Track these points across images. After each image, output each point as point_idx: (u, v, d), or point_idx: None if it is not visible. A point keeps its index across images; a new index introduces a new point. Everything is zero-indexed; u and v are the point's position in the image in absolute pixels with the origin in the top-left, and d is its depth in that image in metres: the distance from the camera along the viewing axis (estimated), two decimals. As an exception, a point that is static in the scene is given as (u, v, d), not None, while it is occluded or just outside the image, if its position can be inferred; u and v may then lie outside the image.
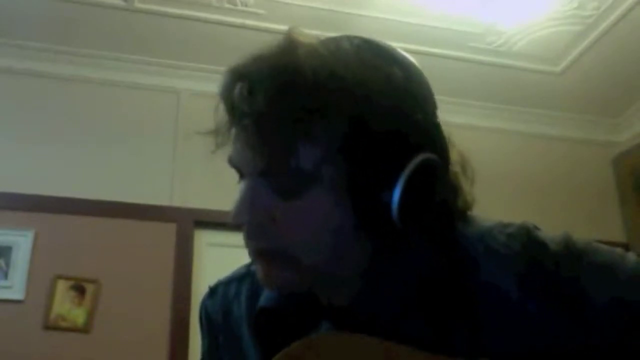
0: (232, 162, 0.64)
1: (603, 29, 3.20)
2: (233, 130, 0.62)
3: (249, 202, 0.61)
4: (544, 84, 3.64)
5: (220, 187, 3.17)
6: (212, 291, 0.80)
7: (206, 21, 3.12)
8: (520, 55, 3.42)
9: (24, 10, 3.01)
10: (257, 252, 0.64)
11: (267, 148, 0.59)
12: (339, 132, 0.59)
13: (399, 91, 0.61)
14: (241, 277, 0.78)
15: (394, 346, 0.62)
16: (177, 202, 3.20)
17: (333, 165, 0.60)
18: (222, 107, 0.62)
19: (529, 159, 3.82)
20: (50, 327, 2.82)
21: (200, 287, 3.07)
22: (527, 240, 0.65)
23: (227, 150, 0.64)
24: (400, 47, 0.70)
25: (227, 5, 3.06)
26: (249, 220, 0.62)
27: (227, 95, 0.61)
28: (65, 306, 2.85)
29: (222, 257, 3.09)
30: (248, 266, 0.77)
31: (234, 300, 0.77)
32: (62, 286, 2.88)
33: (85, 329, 2.85)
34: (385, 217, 0.60)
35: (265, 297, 0.71)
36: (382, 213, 0.60)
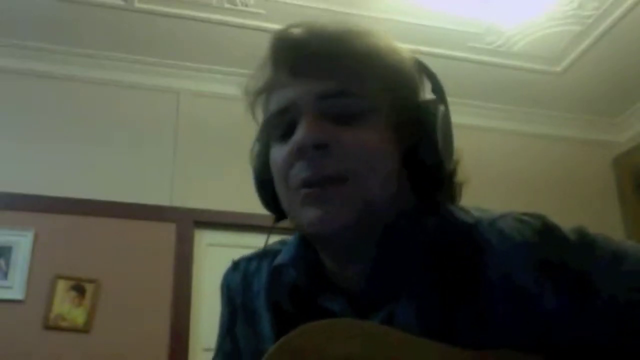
0: (289, 100, 0.68)
1: (603, 29, 3.20)
2: (288, 75, 0.69)
3: (313, 126, 0.66)
4: (544, 84, 3.64)
5: (220, 187, 3.21)
6: (235, 265, 0.84)
7: (206, 21, 3.11)
8: (520, 55, 3.42)
9: (24, 10, 3.01)
10: (319, 181, 0.65)
11: (345, 71, 0.67)
12: (386, 78, 0.69)
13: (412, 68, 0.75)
14: (262, 255, 0.81)
15: (395, 332, 0.61)
16: (177, 202, 3.20)
17: (386, 102, 0.68)
18: (272, 62, 0.70)
19: (529, 159, 3.82)
20: (50, 327, 2.82)
21: (200, 287, 3.07)
22: (541, 227, 0.64)
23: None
24: (400, 47, 0.71)
25: (227, 5, 3.06)
26: (315, 141, 0.65)
27: (294, 42, 0.69)
28: (65, 306, 2.85)
29: (222, 257, 3.07)
30: (269, 246, 0.82)
31: (254, 275, 0.80)
32: (62, 286, 2.88)
33: (85, 329, 2.85)
34: (423, 153, 0.68)
35: (280, 258, 0.75)
36: (421, 150, 0.68)
